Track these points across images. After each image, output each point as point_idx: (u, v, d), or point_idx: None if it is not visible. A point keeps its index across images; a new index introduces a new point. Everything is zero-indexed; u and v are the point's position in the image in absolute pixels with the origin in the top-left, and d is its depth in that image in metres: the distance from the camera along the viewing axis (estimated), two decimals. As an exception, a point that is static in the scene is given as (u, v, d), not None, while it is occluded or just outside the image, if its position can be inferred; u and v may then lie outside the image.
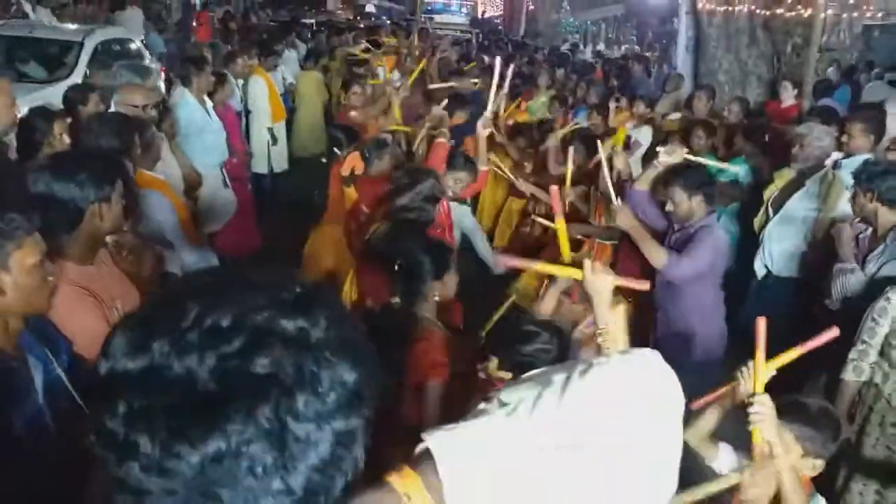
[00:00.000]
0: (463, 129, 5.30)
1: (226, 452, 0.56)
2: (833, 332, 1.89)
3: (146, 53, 8.34)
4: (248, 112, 7.14)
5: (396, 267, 2.45)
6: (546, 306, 2.39)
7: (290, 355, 0.59)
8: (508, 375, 2.08)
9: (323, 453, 0.60)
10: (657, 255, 3.19)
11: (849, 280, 3.16)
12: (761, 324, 1.86)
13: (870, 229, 3.26)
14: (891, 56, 12.04)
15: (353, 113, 5.30)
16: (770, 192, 4.24)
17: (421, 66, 5.99)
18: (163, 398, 0.57)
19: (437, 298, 2.49)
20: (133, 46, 8.34)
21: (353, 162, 4.15)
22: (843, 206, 3.75)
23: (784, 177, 4.20)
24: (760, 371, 1.88)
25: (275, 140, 7.36)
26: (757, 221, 4.29)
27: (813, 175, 3.99)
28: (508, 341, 2.23)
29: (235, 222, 5.28)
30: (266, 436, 0.57)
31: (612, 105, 6.38)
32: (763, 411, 1.84)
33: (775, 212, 4.09)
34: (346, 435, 0.62)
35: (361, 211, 4.12)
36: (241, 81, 6.87)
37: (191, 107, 4.93)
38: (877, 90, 8.02)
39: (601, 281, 1.88)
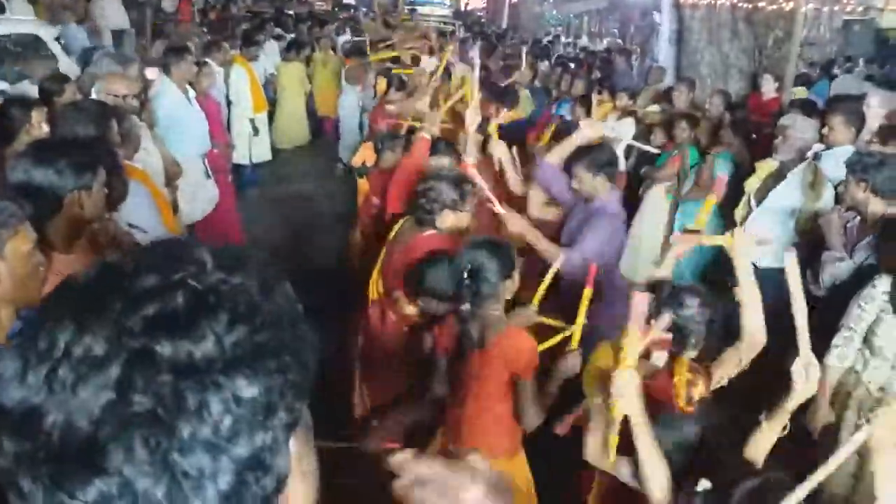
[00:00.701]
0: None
1: (108, 495, 0.51)
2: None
3: (57, 49, 6.93)
4: (229, 102, 7.07)
5: (466, 274, 2.45)
6: (663, 273, 2.69)
7: (170, 384, 0.52)
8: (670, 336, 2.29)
9: (224, 484, 0.54)
10: (552, 253, 3.23)
11: (838, 268, 3.20)
12: (637, 298, 1.90)
13: (857, 218, 3.31)
14: (869, 50, 12.18)
15: (390, 107, 5.19)
16: (752, 184, 4.26)
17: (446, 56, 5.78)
18: (42, 440, 0.52)
19: (508, 297, 2.54)
20: (39, 42, 6.91)
21: (365, 154, 4.14)
22: (827, 197, 3.79)
23: (766, 168, 4.23)
24: (633, 346, 1.89)
25: (256, 131, 7.32)
26: (738, 213, 4.32)
27: (794, 167, 4.02)
28: (662, 305, 2.33)
29: (217, 214, 5.23)
30: (150, 475, 0.52)
31: (594, 97, 6.39)
32: (627, 386, 1.86)
33: (758, 203, 4.12)
34: (252, 458, 0.55)
35: (372, 202, 4.11)
36: (222, 71, 6.79)
37: (172, 96, 4.87)
38: (847, 84, 8.08)
39: (747, 242, 2.36)
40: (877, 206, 3.21)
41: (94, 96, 3.81)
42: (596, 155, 3.42)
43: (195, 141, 4.96)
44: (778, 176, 4.09)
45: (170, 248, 0.63)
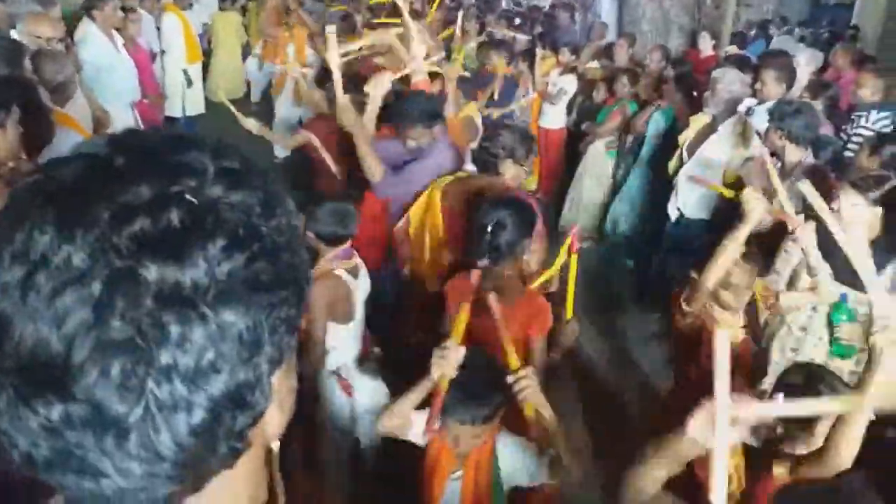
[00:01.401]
0: None
1: (74, 418, 0.49)
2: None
3: None
4: (162, 52, 6.81)
5: (490, 228, 2.42)
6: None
7: (151, 312, 0.48)
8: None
9: (197, 418, 0.51)
10: (374, 170, 3.19)
11: None
12: (494, 304, 1.99)
13: (779, 164, 3.46)
14: (803, 12, 12.48)
15: (378, 59, 5.04)
16: (685, 137, 4.35)
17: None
18: (8, 349, 0.49)
19: (526, 256, 2.53)
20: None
21: None
22: (754, 150, 3.91)
23: (699, 122, 4.32)
24: (511, 354, 1.95)
25: (190, 82, 7.07)
26: (672, 166, 4.42)
27: (725, 120, 4.12)
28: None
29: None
30: (122, 399, 0.48)
31: (538, 53, 6.38)
32: (529, 384, 1.88)
33: (690, 156, 4.21)
34: (229, 396, 0.52)
35: None
36: (152, 18, 6.52)
37: (97, 41, 4.66)
38: (783, 44, 8.27)
39: (757, 203, 2.40)
40: (793, 154, 3.41)
41: (15, 37, 3.63)
42: (423, 107, 3.34)
43: (123, 89, 4.79)
44: (710, 129, 4.18)
45: (167, 146, 0.55)
